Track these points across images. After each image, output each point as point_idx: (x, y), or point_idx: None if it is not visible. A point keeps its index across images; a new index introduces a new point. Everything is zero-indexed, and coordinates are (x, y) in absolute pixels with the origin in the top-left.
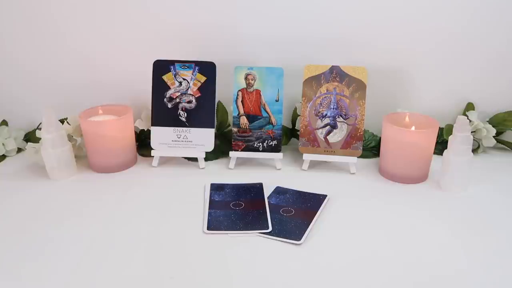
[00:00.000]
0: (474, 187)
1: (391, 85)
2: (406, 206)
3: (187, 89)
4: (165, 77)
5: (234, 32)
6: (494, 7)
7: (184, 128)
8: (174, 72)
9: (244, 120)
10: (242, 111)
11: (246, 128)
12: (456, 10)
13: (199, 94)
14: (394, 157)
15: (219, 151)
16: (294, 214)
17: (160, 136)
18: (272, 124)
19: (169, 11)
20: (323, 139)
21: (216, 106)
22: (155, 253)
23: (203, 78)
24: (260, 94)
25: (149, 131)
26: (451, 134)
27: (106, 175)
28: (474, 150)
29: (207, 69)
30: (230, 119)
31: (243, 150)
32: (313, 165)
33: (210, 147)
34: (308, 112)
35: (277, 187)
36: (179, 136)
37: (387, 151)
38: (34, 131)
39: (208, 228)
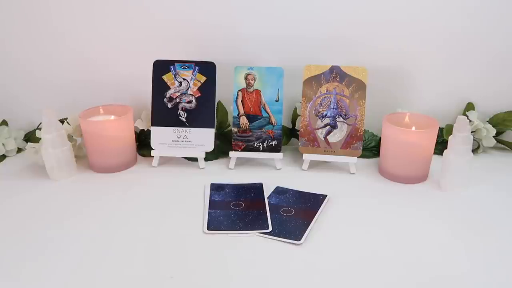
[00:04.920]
0: (474, 187)
1: (391, 85)
2: (406, 206)
3: (187, 89)
4: (165, 77)
5: (234, 32)
6: (494, 7)
7: (184, 128)
8: (174, 72)
9: (244, 120)
10: (242, 111)
11: (246, 128)
12: (456, 10)
13: (199, 94)
14: (394, 157)
15: (219, 151)
16: (294, 214)
17: (160, 136)
18: (272, 124)
19: (169, 11)
20: (323, 139)
21: (216, 106)
22: (155, 253)
23: (203, 78)
24: (260, 94)
25: (149, 131)
26: (451, 134)
27: (106, 175)
28: (474, 150)
29: (207, 69)
30: (230, 119)
31: (243, 150)
32: (313, 165)
33: (210, 147)
34: (308, 112)
35: (277, 187)
36: (179, 136)
37: (387, 151)
38: (34, 131)
39: (208, 228)
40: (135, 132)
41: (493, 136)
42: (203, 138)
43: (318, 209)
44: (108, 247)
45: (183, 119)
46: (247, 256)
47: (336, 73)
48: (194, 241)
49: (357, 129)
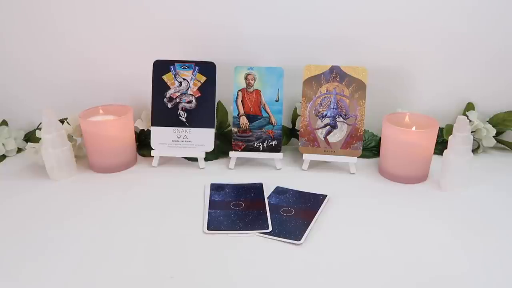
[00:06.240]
0: (474, 187)
1: (391, 85)
2: (406, 206)
3: (187, 89)
4: (165, 77)
5: (234, 32)
6: (494, 7)
7: (184, 128)
8: (174, 72)
9: (244, 120)
10: (242, 111)
11: (246, 128)
12: (456, 10)
13: (199, 94)
14: (394, 157)
15: (219, 151)
16: (294, 214)
17: (160, 136)
18: (272, 124)
19: (169, 11)
20: (323, 139)
21: (216, 106)
22: (155, 253)
23: (203, 78)
24: (260, 94)
25: (149, 131)
26: (451, 134)
27: (106, 175)
28: (474, 150)
29: (207, 69)
30: (230, 119)
31: (243, 150)
32: (313, 165)
33: (210, 147)
34: (308, 112)
35: (277, 187)
36: (179, 136)
37: (387, 151)
38: (34, 131)
39: (208, 228)
40: (135, 132)
41: (493, 136)
42: (203, 138)
43: (318, 209)
44: (108, 247)
45: (183, 119)
46: (247, 256)
47: (336, 73)
48: (194, 241)
49: (357, 129)
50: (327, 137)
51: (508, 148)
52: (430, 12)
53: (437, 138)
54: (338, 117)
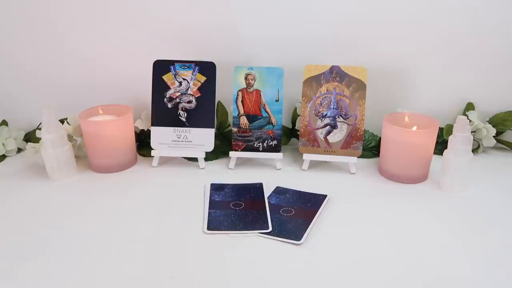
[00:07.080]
0: (474, 187)
1: (391, 85)
2: (406, 206)
3: (187, 89)
4: (165, 77)
5: (234, 32)
6: (494, 7)
7: (184, 128)
8: (174, 72)
9: (244, 120)
10: (242, 111)
11: (246, 128)
12: (456, 10)
13: (199, 94)
14: (394, 157)
15: (219, 151)
16: (294, 214)
17: (160, 136)
18: (272, 124)
19: (169, 11)
20: (323, 139)
21: (216, 106)
22: (155, 253)
23: (203, 78)
24: (260, 94)
25: (149, 131)
26: (451, 134)
27: (106, 175)
28: (474, 150)
29: (207, 69)
30: (230, 119)
31: (243, 150)
32: (313, 165)
33: (210, 147)
34: (308, 112)
35: (277, 187)
36: (179, 136)
37: (387, 151)
38: (34, 131)
39: (208, 228)
40: (135, 132)
41: (493, 136)
42: (203, 138)
43: (318, 209)
44: (108, 247)
45: (183, 119)
46: (247, 256)
47: (336, 73)
48: (194, 241)
49: (357, 129)
50: (327, 137)
51: (508, 148)
52: (430, 12)
53: (437, 138)
54: (338, 117)
